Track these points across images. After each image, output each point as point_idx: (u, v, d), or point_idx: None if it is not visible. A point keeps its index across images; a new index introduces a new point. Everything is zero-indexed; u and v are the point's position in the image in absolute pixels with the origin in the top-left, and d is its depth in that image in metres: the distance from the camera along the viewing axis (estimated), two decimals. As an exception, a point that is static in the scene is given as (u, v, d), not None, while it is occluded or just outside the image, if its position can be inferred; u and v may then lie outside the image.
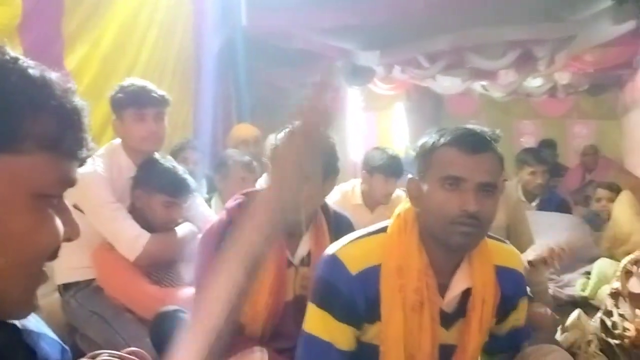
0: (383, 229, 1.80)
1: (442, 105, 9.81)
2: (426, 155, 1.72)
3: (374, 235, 1.79)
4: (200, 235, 2.39)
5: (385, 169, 3.68)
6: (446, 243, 1.68)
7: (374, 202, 3.80)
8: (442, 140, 1.69)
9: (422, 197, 1.71)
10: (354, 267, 1.70)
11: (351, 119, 8.11)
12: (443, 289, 1.75)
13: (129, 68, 4.06)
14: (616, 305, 2.72)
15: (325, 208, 2.28)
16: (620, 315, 2.67)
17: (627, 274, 2.72)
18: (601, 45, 6.17)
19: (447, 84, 7.65)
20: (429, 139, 1.73)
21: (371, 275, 1.70)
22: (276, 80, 6.16)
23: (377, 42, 5.92)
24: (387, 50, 5.94)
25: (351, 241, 1.78)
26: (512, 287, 1.85)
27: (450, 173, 1.65)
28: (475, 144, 1.66)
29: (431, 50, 5.83)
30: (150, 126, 2.75)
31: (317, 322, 1.73)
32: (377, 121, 9.04)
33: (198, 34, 4.91)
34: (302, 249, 2.19)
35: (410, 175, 1.78)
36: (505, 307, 1.85)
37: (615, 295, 2.75)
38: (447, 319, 1.76)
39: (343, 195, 3.80)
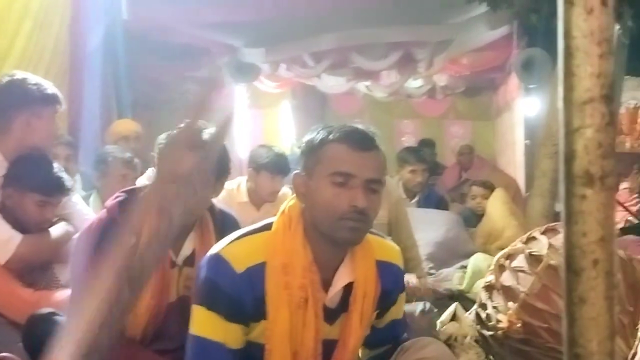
0: (268, 226, 1.79)
1: (327, 103, 9.94)
2: (314, 151, 1.72)
3: (258, 233, 1.78)
4: (77, 235, 2.30)
5: (271, 166, 3.68)
6: (334, 238, 1.70)
7: (260, 199, 3.79)
8: (331, 136, 1.70)
9: (309, 193, 1.72)
10: (239, 265, 1.69)
11: (237, 116, 8.05)
12: (326, 284, 1.76)
13: (1, 60, 3.84)
14: (490, 298, 2.84)
15: (210, 206, 2.24)
16: (494, 307, 2.79)
17: (500, 267, 2.86)
18: (477, 49, 6.47)
19: (332, 83, 7.76)
20: (316, 134, 1.74)
21: (256, 274, 1.69)
22: (158, 75, 6.02)
23: (263, 40, 5.92)
24: (272, 47, 5.95)
25: (235, 239, 1.76)
26: (392, 281, 1.90)
27: (341, 169, 1.67)
28: (363, 141, 1.70)
29: (316, 49, 5.90)
30: (49, 125, 2.67)
31: (205, 323, 1.70)
32: (263, 119, 9.01)
33: (76, 26, 4.70)
34: (187, 249, 2.15)
35: (296, 171, 1.78)
36: (385, 301, 1.90)
37: (489, 288, 2.87)
38: (330, 314, 1.78)
39: (228, 193, 3.76)
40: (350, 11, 5.64)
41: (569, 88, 0.57)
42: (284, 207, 1.81)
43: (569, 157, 0.57)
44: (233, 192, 3.81)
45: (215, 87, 1.51)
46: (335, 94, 8.76)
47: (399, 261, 1.95)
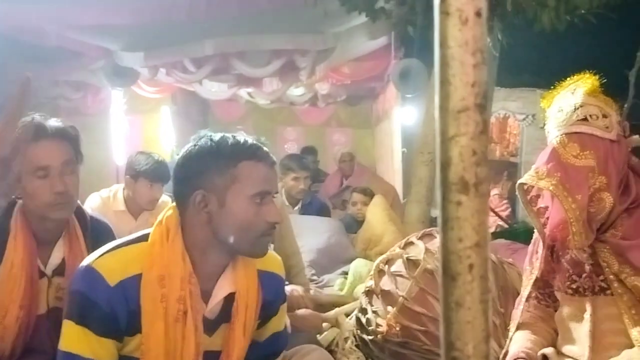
0: (144, 237, 1.73)
1: (208, 110, 9.81)
2: (225, 168, 1.66)
3: (134, 244, 1.72)
4: None
5: (150, 174, 3.58)
6: (251, 254, 1.72)
7: (138, 208, 3.67)
8: (244, 154, 1.67)
9: (220, 212, 1.67)
10: (113, 278, 1.62)
11: (114, 121, 7.79)
12: (206, 295, 1.73)
13: None
14: (370, 303, 2.90)
15: (80, 213, 2.14)
16: (374, 312, 2.85)
17: (380, 272, 2.93)
18: (357, 58, 6.61)
19: (213, 90, 7.66)
20: (218, 148, 1.68)
21: (131, 286, 1.63)
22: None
23: (142, 44, 5.76)
24: (151, 52, 5.79)
25: (109, 251, 1.69)
26: (273, 291, 1.89)
27: (262, 189, 1.66)
28: (269, 157, 1.71)
29: (197, 54, 5.81)
30: None
31: (76, 339, 1.61)
32: (142, 124, 8.77)
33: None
34: (55, 257, 2.04)
35: (198, 190, 1.69)
36: (266, 312, 1.89)
37: (369, 293, 2.93)
38: (210, 325, 1.75)
39: (103, 201, 3.62)
40: (231, 17, 5.61)
41: (444, 97, 0.58)
42: (161, 217, 1.75)
43: (445, 165, 0.58)
44: (109, 200, 3.68)
45: (27, 89, 1.49)
46: (217, 100, 8.66)
47: (280, 271, 1.95)
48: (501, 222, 7.64)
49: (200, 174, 1.68)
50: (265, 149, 1.71)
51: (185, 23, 5.62)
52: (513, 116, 9.99)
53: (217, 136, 1.71)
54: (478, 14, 0.57)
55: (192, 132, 1.84)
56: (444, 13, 0.57)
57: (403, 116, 6.95)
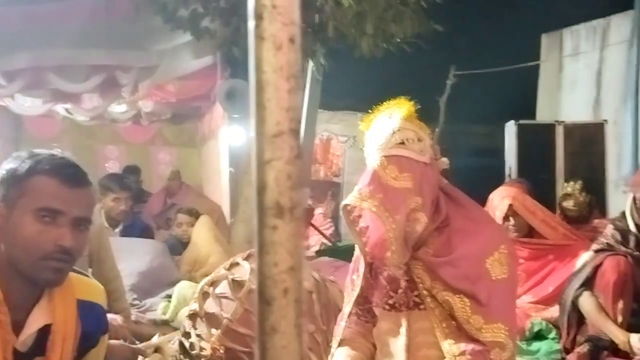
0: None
1: (22, 126, 9.19)
2: (19, 181, 1.56)
3: None
4: None
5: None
6: (34, 279, 1.57)
7: None
8: (39, 167, 1.56)
9: (8, 228, 1.55)
10: None
11: None
12: (18, 326, 1.60)
13: None
14: (194, 326, 2.84)
15: None
16: (198, 335, 2.80)
17: (204, 295, 2.88)
18: (182, 77, 6.53)
19: (27, 105, 7.19)
20: (21, 163, 1.58)
21: None
22: None
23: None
24: (-44, 63, 5.34)
25: None
26: (94, 322, 1.79)
27: (49, 205, 1.54)
28: (75, 177, 1.60)
29: (9, 67, 5.44)
30: None
31: None
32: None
33: None
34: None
35: None
36: (85, 344, 1.79)
37: (193, 316, 2.88)
38: (22, 359, 1.62)
39: None
40: (47, 30, 5.32)
41: (260, 121, 0.58)
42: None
43: (261, 189, 0.58)
44: None
45: None
46: (31, 116, 8.13)
47: (101, 300, 1.86)
48: (325, 241, 7.84)
49: (1, 189, 1.59)
50: (72, 168, 1.62)
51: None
52: (336, 138, 10.34)
53: (25, 152, 1.62)
54: (292, 40, 0.58)
55: (4, 149, 1.71)
56: (259, 38, 0.57)
57: (230, 136, 6.94)
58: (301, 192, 0.58)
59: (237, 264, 2.94)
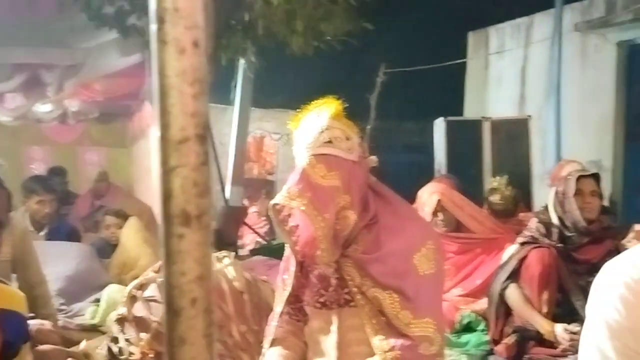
0: None
1: (-62, 127, 8.82)
2: None
3: None
4: None
5: None
6: None
7: None
8: None
9: None
10: None
11: None
12: None
13: None
14: (122, 331, 2.79)
15: None
16: (127, 340, 2.74)
17: (132, 299, 2.82)
18: (110, 75, 6.39)
19: (-56, 104, 6.92)
20: None
21: None
22: None
23: None
24: None
25: None
26: (15, 331, 1.74)
27: None
28: None
29: None
30: None
31: None
32: None
33: None
34: None
35: None
36: (5, 354, 1.73)
37: (121, 321, 2.82)
38: None
39: None
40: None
41: (164, 127, 0.56)
42: None
43: (166, 196, 0.57)
44: None
45: None
46: (-52, 116, 7.82)
47: (22, 308, 1.80)
48: (260, 239, 7.82)
49: None
50: None
51: None
52: (269, 136, 10.31)
53: None
54: (196, 44, 0.57)
55: None
56: (161, 42, 0.55)
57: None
58: (208, 200, 0.56)
59: (167, 266, 2.89)
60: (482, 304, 3.80)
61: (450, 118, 6.80)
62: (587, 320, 1.47)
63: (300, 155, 2.01)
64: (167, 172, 0.55)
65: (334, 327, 2.05)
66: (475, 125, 6.65)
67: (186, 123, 0.56)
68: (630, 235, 4.16)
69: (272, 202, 2.05)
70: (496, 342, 3.54)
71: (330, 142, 1.98)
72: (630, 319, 1.36)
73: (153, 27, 0.56)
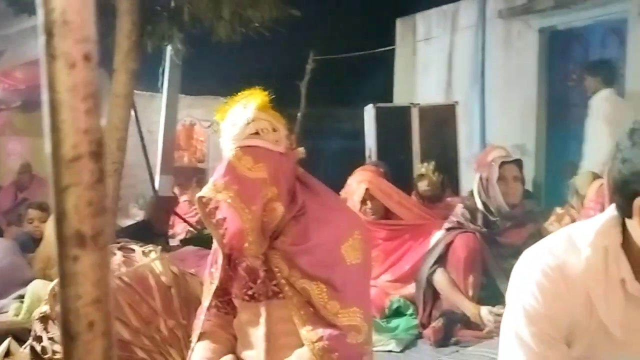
0: None
1: None
2: None
3: None
4: None
5: None
6: None
7: None
8: None
9: None
10: None
11: None
12: None
13: None
14: (46, 330, 2.70)
15: None
16: (50, 339, 2.66)
17: (55, 296, 2.74)
18: (31, 62, 6.19)
19: None
20: None
21: None
22: None
23: None
24: None
25: None
26: None
27: None
28: None
29: None
30: None
31: None
32: None
33: None
34: None
35: None
36: None
37: (44, 319, 2.73)
38: None
39: None
40: None
41: (56, 144, 0.54)
42: None
43: (60, 217, 0.54)
44: None
45: None
46: None
47: None
48: (191, 229, 7.74)
49: None
50: None
51: None
52: (199, 123, 10.19)
53: None
54: (87, 58, 0.54)
55: None
56: (50, 56, 0.53)
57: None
58: (104, 219, 0.54)
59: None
60: (411, 288, 3.87)
61: (380, 105, 6.84)
62: (507, 306, 1.51)
63: (227, 147, 1.99)
64: (59, 191, 0.53)
65: (262, 319, 2.04)
66: (403, 112, 6.72)
67: (79, 140, 0.53)
68: (552, 218, 4.31)
69: (198, 195, 2.02)
70: (424, 325, 3.62)
71: (257, 133, 1.97)
72: (546, 306, 1.41)
73: (41, 39, 0.53)
